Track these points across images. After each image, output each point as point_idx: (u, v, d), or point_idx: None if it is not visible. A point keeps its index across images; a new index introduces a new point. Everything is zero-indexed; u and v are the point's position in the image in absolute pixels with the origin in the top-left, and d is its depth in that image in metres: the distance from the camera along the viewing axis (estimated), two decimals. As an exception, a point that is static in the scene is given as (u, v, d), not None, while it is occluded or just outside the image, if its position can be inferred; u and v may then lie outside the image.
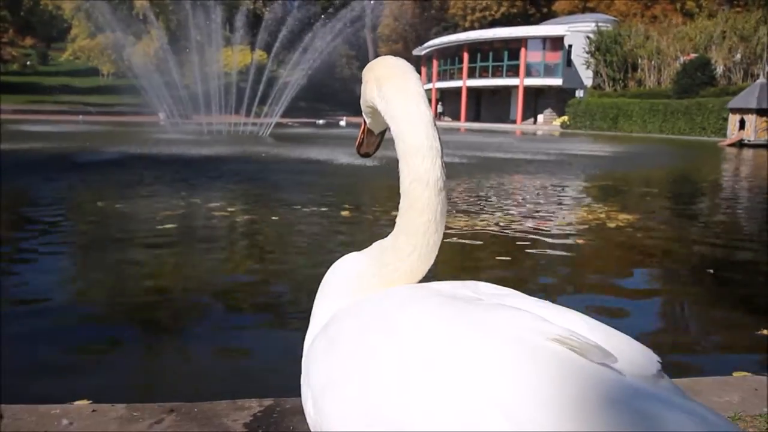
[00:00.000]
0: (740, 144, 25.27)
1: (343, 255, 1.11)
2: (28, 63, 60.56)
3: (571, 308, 0.79)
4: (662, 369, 0.71)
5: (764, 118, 25.23)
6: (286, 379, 2.21)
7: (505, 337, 0.70)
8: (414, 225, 0.96)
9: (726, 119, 27.39)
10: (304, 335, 1.04)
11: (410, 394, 0.69)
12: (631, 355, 0.69)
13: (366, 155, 1.25)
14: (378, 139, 1.22)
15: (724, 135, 27.18)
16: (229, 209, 6.81)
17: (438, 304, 0.81)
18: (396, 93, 0.97)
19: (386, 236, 1.10)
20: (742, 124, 25.81)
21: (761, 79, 26.90)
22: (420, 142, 0.93)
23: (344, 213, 6.71)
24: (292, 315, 3.51)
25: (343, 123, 33.08)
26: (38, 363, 2.82)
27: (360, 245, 1.13)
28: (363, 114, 1.16)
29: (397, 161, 0.95)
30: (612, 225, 6.39)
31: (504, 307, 0.78)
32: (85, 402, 2.20)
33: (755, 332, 3.41)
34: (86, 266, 4.71)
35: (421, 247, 0.97)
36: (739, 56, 33.31)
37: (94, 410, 2.08)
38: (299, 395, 0.91)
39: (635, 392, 0.65)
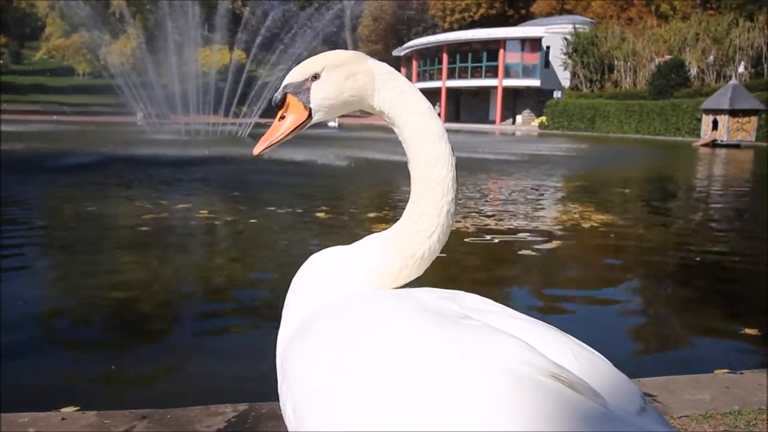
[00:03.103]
0: (713, 144, 25.76)
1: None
2: (1, 62, 59.26)
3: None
4: (645, 401, 0.73)
5: (736, 119, 25.75)
6: (262, 384, 2.18)
7: (497, 369, 0.69)
8: (438, 205, 1.00)
9: (700, 120, 27.88)
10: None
11: (395, 420, 0.68)
12: (618, 390, 0.72)
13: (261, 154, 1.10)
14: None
15: (698, 135, 27.65)
16: (203, 211, 6.72)
17: (428, 323, 0.80)
18: (409, 87, 1.05)
19: (364, 237, 1.08)
20: (715, 125, 26.30)
21: (733, 81, 27.46)
22: (441, 130, 1.02)
23: (320, 215, 6.66)
24: (269, 319, 3.46)
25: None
26: (12, 370, 2.73)
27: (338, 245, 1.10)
28: (315, 106, 1.07)
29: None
30: (586, 225, 6.44)
31: (494, 332, 0.77)
32: (70, 409, 2.14)
33: (736, 331, 3.45)
34: (59, 270, 4.60)
35: (442, 227, 1.01)
36: (712, 58, 33.95)
37: (63, 418, 2.01)
38: (275, 400, 0.88)
39: (624, 422, 0.66)
